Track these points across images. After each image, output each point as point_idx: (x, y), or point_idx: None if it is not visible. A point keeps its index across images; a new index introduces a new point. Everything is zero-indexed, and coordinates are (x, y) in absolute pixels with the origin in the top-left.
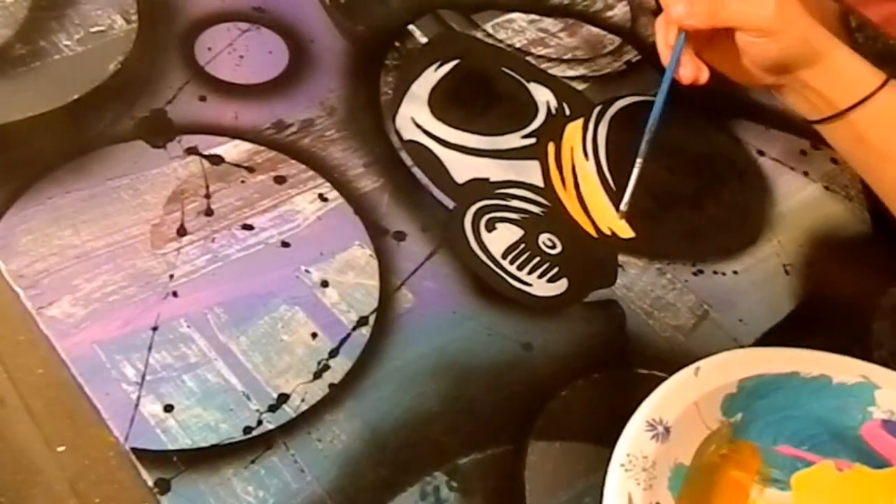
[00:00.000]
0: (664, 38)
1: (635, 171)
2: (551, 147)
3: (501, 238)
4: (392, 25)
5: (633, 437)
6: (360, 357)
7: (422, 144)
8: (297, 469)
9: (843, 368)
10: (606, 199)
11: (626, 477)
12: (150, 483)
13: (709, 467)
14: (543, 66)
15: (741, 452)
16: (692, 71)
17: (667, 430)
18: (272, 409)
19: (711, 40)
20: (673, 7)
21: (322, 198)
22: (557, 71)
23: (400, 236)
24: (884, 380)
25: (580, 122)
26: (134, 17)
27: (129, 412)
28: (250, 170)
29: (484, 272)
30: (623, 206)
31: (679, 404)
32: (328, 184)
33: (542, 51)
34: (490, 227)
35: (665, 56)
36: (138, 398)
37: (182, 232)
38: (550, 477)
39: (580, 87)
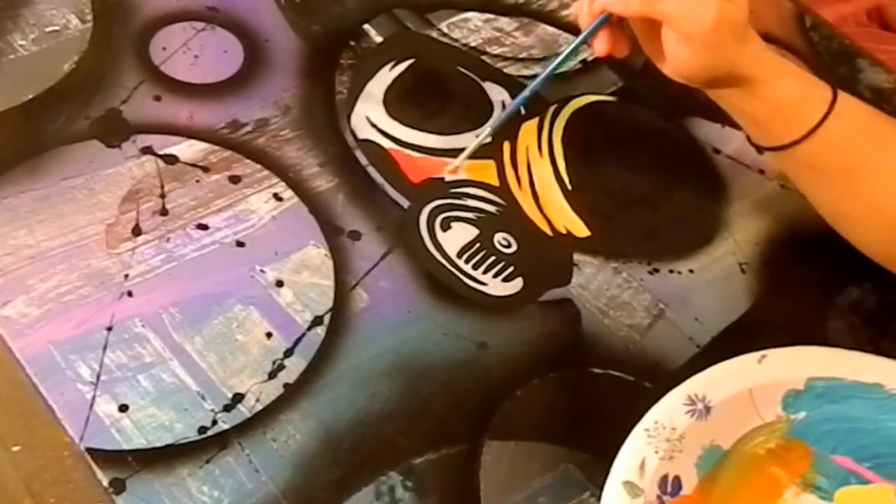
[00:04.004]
0: (590, 6)
1: (480, 138)
2: (507, 146)
3: (457, 237)
4: (347, 25)
5: (667, 407)
6: (315, 357)
7: (377, 144)
8: (251, 469)
9: None
10: (562, 197)
11: (646, 442)
12: (105, 483)
13: (749, 457)
14: (499, 65)
15: (791, 451)
16: (606, 47)
17: (707, 408)
18: (227, 408)
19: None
20: None
21: (277, 197)
22: (513, 70)
23: (355, 236)
24: None
25: (535, 121)
26: (89, 17)
27: (84, 412)
28: (205, 169)
29: (439, 271)
30: (450, 167)
31: (730, 387)
32: (283, 183)
33: (497, 50)
34: (445, 227)
35: (584, 21)
36: (93, 398)
37: (137, 232)
38: (505, 476)
39: None
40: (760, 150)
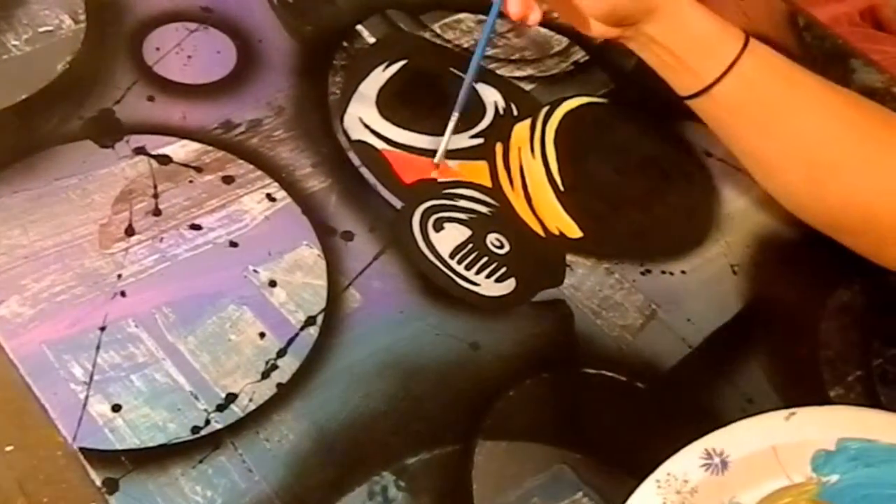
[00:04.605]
0: None
1: (451, 125)
2: (499, 147)
3: (449, 238)
4: (340, 25)
5: (681, 459)
6: (308, 357)
7: (370, 144)
8: (244, 469)
9: None
10: (554, 198)
11: (654, 492)
12: (99, 483)
13: None
14: (491, 66)
15: None
16: (521, 8)
17: (724, 463)
18: (220, 408)
19: None
20: None
21: (270, 198)
22: (505, 71)
23: (348, 236)
24: None
25: (528, 122)
26: (82, 17)
27: (77, 412)
28: (198, 170)
29: (432, 272)
30: (437, 159)
31: (753, 443)
32: (276, 184)
33: (490, 51)
34: (438, 227)
35: None
36: (86, 398)
37: (130, 232)
38: (498, 476)
39: (528, 87)
40: (683, 100)
